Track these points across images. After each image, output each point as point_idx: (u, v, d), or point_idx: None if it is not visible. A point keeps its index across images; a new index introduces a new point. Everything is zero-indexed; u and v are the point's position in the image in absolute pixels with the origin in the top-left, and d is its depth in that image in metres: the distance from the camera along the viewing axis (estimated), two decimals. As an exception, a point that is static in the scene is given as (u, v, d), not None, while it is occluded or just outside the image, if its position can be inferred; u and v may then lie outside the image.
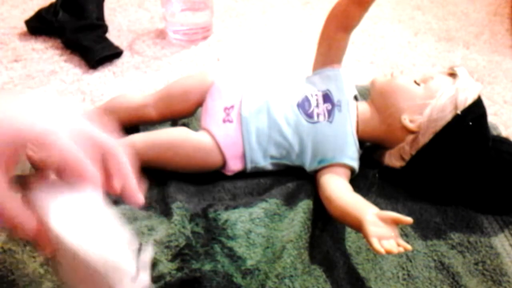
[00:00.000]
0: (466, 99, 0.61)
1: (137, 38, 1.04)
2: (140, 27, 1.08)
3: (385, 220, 0.51)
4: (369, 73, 0.97)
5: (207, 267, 0.54)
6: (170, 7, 1.01)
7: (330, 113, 0.65)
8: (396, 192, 0.67)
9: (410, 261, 0.59)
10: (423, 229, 0.63)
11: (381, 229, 0.50)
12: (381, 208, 0.63)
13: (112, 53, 0.95)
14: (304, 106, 0.66)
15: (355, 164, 0.65)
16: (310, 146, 0.64)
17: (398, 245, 0.49)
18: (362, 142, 0.66)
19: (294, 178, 0.66)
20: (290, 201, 0.63)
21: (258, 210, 0.61)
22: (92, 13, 1.00)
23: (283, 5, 1.21)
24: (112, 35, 1.02)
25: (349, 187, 0.62)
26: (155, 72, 0.94)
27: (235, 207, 0.61)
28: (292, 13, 1.17)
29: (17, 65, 0.93)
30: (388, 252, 0.48)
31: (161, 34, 1.05)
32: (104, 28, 1.02)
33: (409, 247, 0.49)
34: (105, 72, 0.92)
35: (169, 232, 0.57)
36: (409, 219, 0.51)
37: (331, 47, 0.69)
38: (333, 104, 0.66)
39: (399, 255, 0.59)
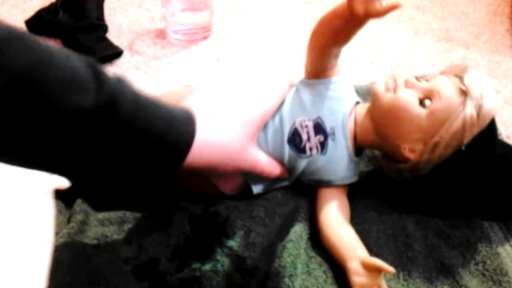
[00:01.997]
0: (472, 134, 0.55)
1: (137, 38, 1.04)
2: (140, 27, 1.08)
3: (368, 268, 0.52)
4: (369, 73, 0.97)
5: (207, 266, 0.54)
6: (170, 7, 1.01)
7: (323, 145, 0.60)
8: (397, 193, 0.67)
9: (411, 261, 0.59)
10: (423, 229, 0.63)
11: (364, 278, 0.52)
12: (382, 206, 0.63)
13: (112, 53, 0.95)
14: (294, 141, 0.60)
15: (354, 179, 0.63)
16: (306, 173, 0.62)
17: None
18: (361, 148, 0.64)
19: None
20: (290, 200, 0.63)
21: (259, 209, 0.61)
22: (92, 13, 1.00)
23: (283, 5, 1.21)
24: (112, 35, 1.03)
25: (345, 214, 0.60)
26: (155, 72, 0.94)
27: (235, 207, 0.61)
28: (292, 13, 1.17)
29: (17, 65, 0.93)
30: None
31: (161, 34, 1.05)
32: (104, 28, 1.02)
33: None
34: (105, 72, 0.92)
35: (169, 231, 0.57)
36: (392, 269, 0.51)
37: (322, 56, 0.61)
38: (325, 135, 0.60)
39: (399, 255, 0.59)
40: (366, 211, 0.64)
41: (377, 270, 0.52)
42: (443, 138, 0.55)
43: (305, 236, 0.59)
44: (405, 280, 0.57)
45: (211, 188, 0.61)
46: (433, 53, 1.05)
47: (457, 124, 0.55)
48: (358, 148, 0.63)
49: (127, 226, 0.60)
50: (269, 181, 0.62)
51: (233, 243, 0.56)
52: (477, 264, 0.59)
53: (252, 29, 1.10)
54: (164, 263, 0.54)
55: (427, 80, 0.59)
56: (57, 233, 0.58)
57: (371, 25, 1.12)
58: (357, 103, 0.63)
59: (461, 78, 0.57)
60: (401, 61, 1.02)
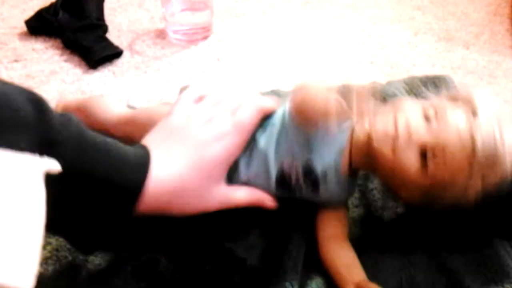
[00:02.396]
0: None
1: (137, 38, 1.04)
2: (140, 27, 1.08)
3: None
4: (369, 73, 0.97)
5: (207, 267, 0.54)
6: (170, 7, 1.01)
7: (314, 186, 0.54)
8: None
9: (413, 265, 0.58)
10: (424, 230, 0.62)
11: None
12: (383, 216, 0.62)
13: (112, 53, 0.95)
14: (283, 183, 0.54)
15: (352, 194, 0.60)
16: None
17: None
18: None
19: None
20: (291, 201, 0.63)
21: (259, 210, 0.61)
22: (92, 13, 1.00)
23: (283, 5, 1.21)
24: (112, 35, 1.02)
25: (344, 235, 0.57)
26: (155, 72, 0.94)
27: (235, 208, 0.61)
28: (292, 13, 1.17)
29: (17, 65, 0.93)
30: None
31: (161, 34, 1.05)
32: (104, 28, 1.02)
33: None
34: (105, 72, 0.92)
35: (168, 231, 0.57)
36: None
37: None
38: (316, 179, 0.53)
39: (401, 258, 0.59)
40: (367, 214, 0.64)
41: None
42: (441, 191, 0.51)
43: (305, 238, 0.58)
44: (407, 282, 0.56)
45: None
46: (433, 53, 1.05)
47: (458, 187, 0.50)
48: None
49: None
50: None
51: (233, 244, 0.56)
52: (478, 265, 0.59)
53: (252, 29, 1.10)
54: (163, 263, 0.54)
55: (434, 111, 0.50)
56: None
57: (371, 25, 1.13)
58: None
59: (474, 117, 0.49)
60: (401, 61, 1.01)
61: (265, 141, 0.53)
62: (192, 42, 1.03)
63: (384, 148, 0.50)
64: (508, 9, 1.25)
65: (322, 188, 0.54)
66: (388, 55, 1.03)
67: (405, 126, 0.50)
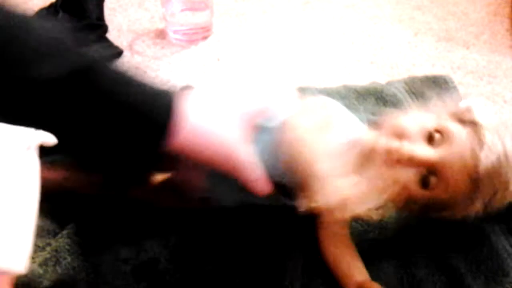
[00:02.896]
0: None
1: (137, 38, 1.04)
2: (140, 27, 1.08)
3: None
4: (369, 73, 0.97)
5: (208, 268, 0.54)
6: (170, 7, 1.01)
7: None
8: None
9: (413, 263, 0.58)
10: (424, 230, 0.62)
11: None
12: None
13: (112, 53, 0.95)
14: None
15: None
16: None
17: None
18: None
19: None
20: (291, 202, 0.63)
21: (260, 211, 0.61)
22: (92, 13, 1.00)
23: (283, 5, 1.21)
24: (112, 35, 1.02)
25: (346, 233, 0.57)
26: (155, 72, 0.94)
27: (236, 208, 0.61)
28: (292, 13, 1.17)
29: (17, 65, 0.93)
30: None
31: (161, 34, 1.05)
32: (104, 28, 1.02)
33: None
34: (105, 72, 0.92)
35: (167, 232, 0.57)
36: None
37: None
38: None
39: (402, 257, 0.59)
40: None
41: None
42: (440, 212, 0.51)
43: (307, 238, 0.58)
44: (408, 281, 0.56)
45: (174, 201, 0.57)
46: (433, 53, 1.05)
47: (458, 211, 0.50)
48: None
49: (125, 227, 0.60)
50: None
51: (233, 245, 0.56)
52: (478, 265, 0.59)
53: (252, 29, 1.10)
54: (163, 263, 0.54)
55: (434, 138, 0.48)
56: (56, 233, 0.58)
57: (371, 25, 1.12)
58: None
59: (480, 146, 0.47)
60: (401, 61, 1.01)
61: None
62: (192, 42, 1.03)
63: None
64: (508, 9, 1.25)
65: None
66: (388, 55, 1.03)
67: (400, 154, 0.47)
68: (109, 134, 0.42)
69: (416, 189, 0.48)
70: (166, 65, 0.96)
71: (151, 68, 0.95)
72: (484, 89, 0.95)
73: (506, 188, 0.48)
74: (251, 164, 0.48)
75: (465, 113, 0.51)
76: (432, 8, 1.23)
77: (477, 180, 0.46)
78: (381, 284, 0.56)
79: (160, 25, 1.08)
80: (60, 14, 0.98)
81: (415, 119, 0.50)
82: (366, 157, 0.47)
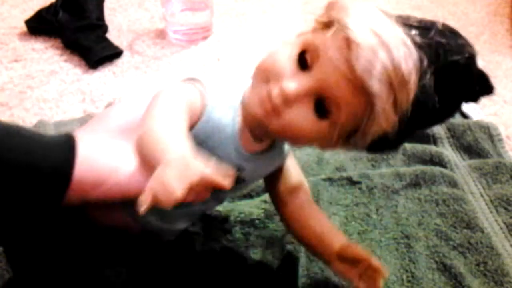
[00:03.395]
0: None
1: (137, 38, 1.04)
2: (140, 27, 1.08)
3: (349, 257, 0.48)
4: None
5: (207, 267, 0.54)
6: (170, 7, 1.01)
7: (239, 180, 0.46)
8: (397, 195, 0.67)
9: (413, 263, 0.58)
10: (424, 230, 0.63)
11: (354, 267, 0.48)
12: (383, 215, 0.62)
13: (112, 53, 0.95)
14: None
15: (287, 151, 0.53)
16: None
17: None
18: None
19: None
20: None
21: (258, 211, 0.61)
22: (92, 13, 1.00)
23: (283, 5, 1.21)
24: (112, 35, 1.02)
25: (309, 200, 0.53)
26: (155, 72, 0.94)
27: (235, 208, 0.61)
28: (292, 13, 1.17)
29: (17, 65, 0.93)
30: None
31: (161, 34, 1.05)
32: (104, 28, 1.02)
33: (385, 272, 0.47)
34: (105, 72, 0.92)
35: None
36: (369, 257, 0.47)
37: None
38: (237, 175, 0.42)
39: (402, 257, 0.59)
40: (368, 213, 0.64)
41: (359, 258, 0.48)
42: (360, 136, 0.43)
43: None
44: (408, 281, 0.57)
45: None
46: (433, 53, 1.05)
47: (373, 127, 0.41)
48: None
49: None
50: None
51: (233, 245, 0.56)
52: (478, 264, 0.59)
53: (252, 29, 1.10)
54: (161, 263, 0.54)
55: (307, 60, 0.41)
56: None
57: (371, 25, 1.12)
58: None
59: (349, 47, 0.38)
60: (401, 61, 1.01)
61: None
62: (192, 42, 1.03)
63: (271, 121, 0.41)
64: (508, 9, 1.25)
65: (244, 175, 0.48)
66: (388, 55, 1.03)
67: (281, 97, 0.41)
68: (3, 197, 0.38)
69: (315, 123, 0.41)
70: (166, 65, 0.96)
71: (151, 68, 0.95)
72: (484, 89, 0.95)
73: (403, 80, 0.39)
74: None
75: (321, 14, 0.44)
76: (432, 8, 1.23)
77: (362, 83, 0.38)
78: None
79: (160, 25, 1.08)
80: (60, 14, 0.99)
81: (278, 52, 0.43)
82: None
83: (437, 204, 0.66)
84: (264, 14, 1.17)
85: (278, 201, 0.53)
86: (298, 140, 0.44)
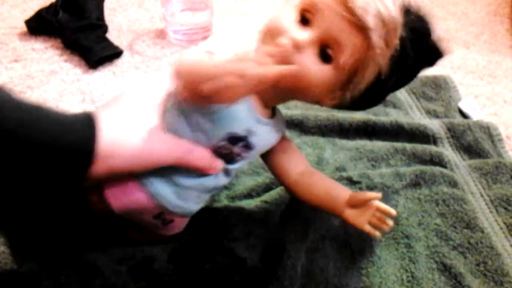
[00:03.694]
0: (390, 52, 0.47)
1: (137, 38, 1.04)
2: (140, 27, 1.08)
3: (360, 204, 0.53)
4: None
5: (207, 267, 0.54)
6: (170, 7, 1.01)
7: (248, 146, 0.50)
8: (397, 195, 0.67)
9: (413, 263, 0.59)
10: (424, 230, 0.63)
11: (364, 214, 0.53)
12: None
13: (112, 53, 0.95)
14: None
15: (284, 128, 0.56)
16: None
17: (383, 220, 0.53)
18: None
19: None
20: (291, 202, 0.63)
21: (259, 211, 0.61)
22: (92, 13, 1.00)
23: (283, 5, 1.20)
24: (112, 35, 1.02)
25: (308, 166, 0.57)
26: (155, 72, 0.94)
27: (235, 208, 0.61)
28: (292, 13, 1.17)
29: (17, 65, 0.93)
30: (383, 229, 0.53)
31: (161, 34, 1.05)
32: (104, 28, 1.02)
33: (392, 211, 0.53)
34: (105, 72, 0.92)
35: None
36: (378, 195, 0.53)
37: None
38: (244, 138, 0.49)
39: (402, 257, 0.59)
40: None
41: (368, 201, 0.53)
42: (360, 77, 0.48)
43: (305, 239, 0.58)
44: (408, 281, 0.57)
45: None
46: (433, 53, 1.05)
47: (370, 64, 0.47)
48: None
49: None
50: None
51: (233, 244, 0.56)
52: (478, 264, 0.59)
53: (252, 29, 1.10)
54: (160, 262, 0.54)
55: (307, 18, 0.47)
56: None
57: (371, 25, 1.12)
58: None
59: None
60: (401, 61, 1.01)
61: (171, 122, 0.48)
62: (192, 42, 1.03)
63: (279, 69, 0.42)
64: (508, 9, 1.25)
65: (253, 141, 0.50)
66: (388, 55, 1.03)
67: (289, 44, 0.46)
68: (24, 175, 0.40)
69: (321, 68, 0.46)
70: (166, 65, 0.96)
71: (151, 68, 0.95)
72: (484, 89, 0.95)
73: (392, 18, 0.45)
74: (178, 147, 0.47)
75: None
76: (432, 8, 1.23)
77: (360, 20, 0.44)
78: (381, 283, 0.56)
79: (160, 25, 1.08)
80: (60, 14, 0.99)
81: (280, 15, 0.48)
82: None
83: (437, 204, 0.66)
84: (264, 14, 1.17)
85: (279, 172, 0.57)
86: (306, 88, 0.48)
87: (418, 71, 0.54)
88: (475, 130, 0.78)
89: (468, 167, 0.73)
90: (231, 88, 0.38)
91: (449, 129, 0.79)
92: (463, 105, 0.87)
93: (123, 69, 0.94)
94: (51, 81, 0.89)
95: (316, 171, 0.58)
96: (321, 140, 0.77)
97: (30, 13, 1.03)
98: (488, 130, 0.79)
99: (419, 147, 0.74)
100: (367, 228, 0.53)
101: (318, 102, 0.52)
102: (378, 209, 0.53)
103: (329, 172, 0.70)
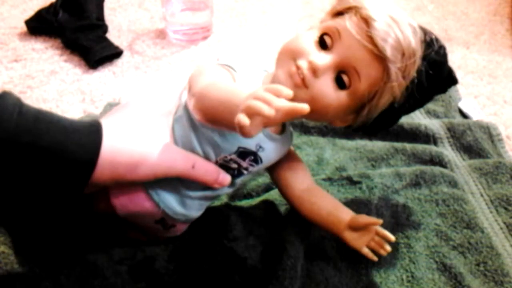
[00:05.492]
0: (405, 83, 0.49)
1: (137, 38, 1.04)
2: (140, 27, 1.08)
3: (360, 227, 0.53)
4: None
5: (207, 267, 0.54)
6: (170, 7, 1.01)
7: (256, 160, 0.51)
8: (397, 195, 0.67)
9: (413, 263, 0.59)
10: (424, 230, 0.63)
11: (363, 237, 0.53)
12: (383, 215, 0.62)
13: (112, 53, 0.95)
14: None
15: (291, 142, 0.57)
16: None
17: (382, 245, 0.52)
18: None
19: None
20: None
21: (259, 211, 0.61)
22: (92, 13, 1.00)
23: (283, 5, 1.21)
24: (112, 35, 1.02)
25: (313, 183, 0.57)
26: (155, 72, 0.94)
27: (235, 208, 0.61)
28: (292, 13, 1.17)
29: (17, 65, 0.93)
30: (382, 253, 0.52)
31: (161, 34, 1.05)
32: (104, 28, 1.02)
33: (391, 237, 0.52)
34: (105, 72, 0.92)
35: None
36: (379, 220, 0.52)
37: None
38: (254, 153, 0.50)
39: (402, 257, 0.59)
40: (368, 213, 0.64)
41: (368, 225, 0.53)
42: (374, 105, 0.50)
43: (305, 239, 0.58)
44: (408, 281, 0.57)
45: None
46: (433, 53, 1.05)
47: (386, 94, 0.48)
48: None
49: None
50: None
51: (233, 244, 0.56)
52: (478, 264, 0.59)
53: (252, 29, 1.10)
54: (161, 262, 0.54)
55: (326, 42, 0.48)
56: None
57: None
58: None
59: (368, 24, 0.46)
60: (401, 61, 1.01)
61: (181, 134, 0.49)
62: (192, 42, 1.03)
63: (298, 92, 0.46)
64: (508, 9, 1.25)
65: (263, 155, 0.51)
66: (388, 55, 1.03)
67: (309, 68, 0.47)
68: (27, 179, 0.41)
69: (337, 94, 0.48)
70: (166, 65, 0.96)
71: (151, 68, 0.95)
72: (484, 89, 0.95)
73: (412, 50, 0.47)
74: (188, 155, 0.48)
75: (338, 4, 0.51)
76: (432, 8, 1.23)
77: (380, 50, 0.45)
78: (381, 283, 0.56)
79: (160, 25, 1.08)
80: (60, 14, 0.99)
81: (301, 36, 0.49)
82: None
83: (437, 204, 0.66)
84: (264, 14, 1.17)
85: (283, 186, 0.57)
86: (321, 111, 0.48)
87: (431, 98, 0.56)
88: (475, 130, 0.78)
89: (468, 167, 0.73)
90: (256, 127, 0.38)
91: (449, 129, 0.79)
92: (463, 105, 0.87)
93: (123, 69, 0.94)
94: (51, 81, 0.89)
95: (320, 188, 0.57)
96: (321, 140, 0.77)
97: (30, 13, 1.03)
98: (488, 130, 0.79)
99: (419, 147, 0.74)
100: (365, 251, 0.53)
101: (330, 123, 0.54)
102: (378, 234, 0.52)
103: (329, 172, 0.70)
